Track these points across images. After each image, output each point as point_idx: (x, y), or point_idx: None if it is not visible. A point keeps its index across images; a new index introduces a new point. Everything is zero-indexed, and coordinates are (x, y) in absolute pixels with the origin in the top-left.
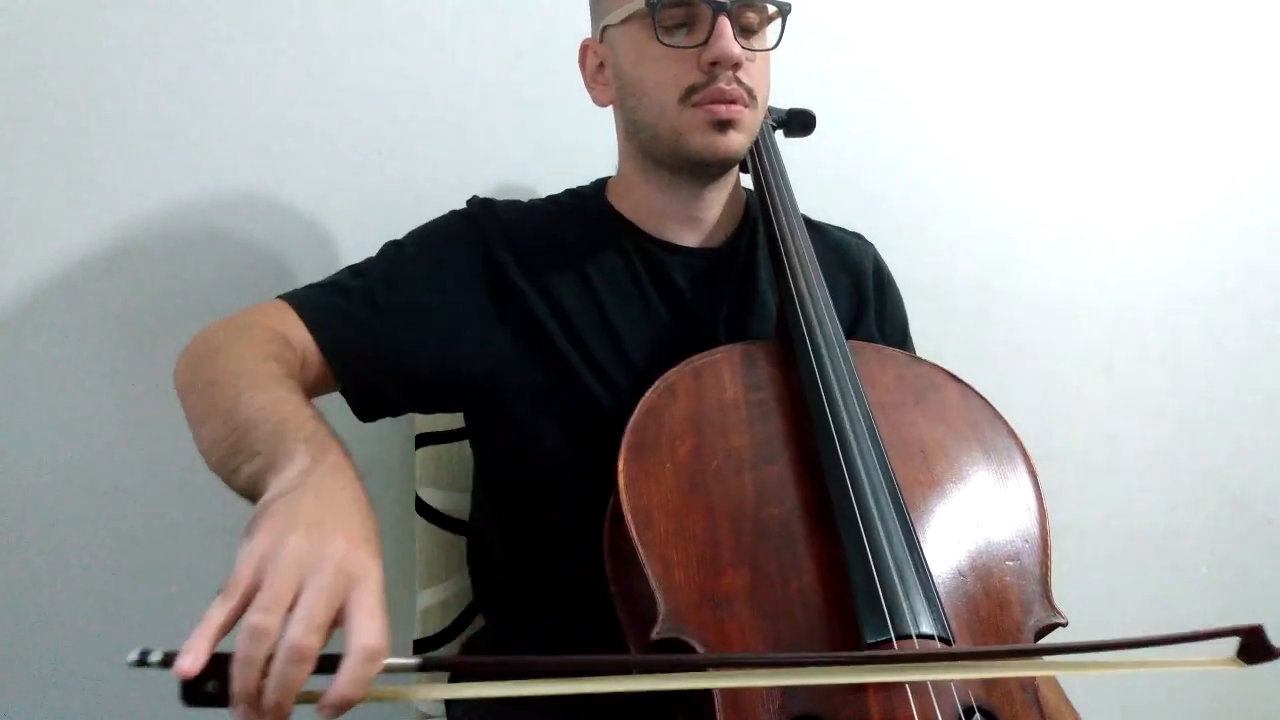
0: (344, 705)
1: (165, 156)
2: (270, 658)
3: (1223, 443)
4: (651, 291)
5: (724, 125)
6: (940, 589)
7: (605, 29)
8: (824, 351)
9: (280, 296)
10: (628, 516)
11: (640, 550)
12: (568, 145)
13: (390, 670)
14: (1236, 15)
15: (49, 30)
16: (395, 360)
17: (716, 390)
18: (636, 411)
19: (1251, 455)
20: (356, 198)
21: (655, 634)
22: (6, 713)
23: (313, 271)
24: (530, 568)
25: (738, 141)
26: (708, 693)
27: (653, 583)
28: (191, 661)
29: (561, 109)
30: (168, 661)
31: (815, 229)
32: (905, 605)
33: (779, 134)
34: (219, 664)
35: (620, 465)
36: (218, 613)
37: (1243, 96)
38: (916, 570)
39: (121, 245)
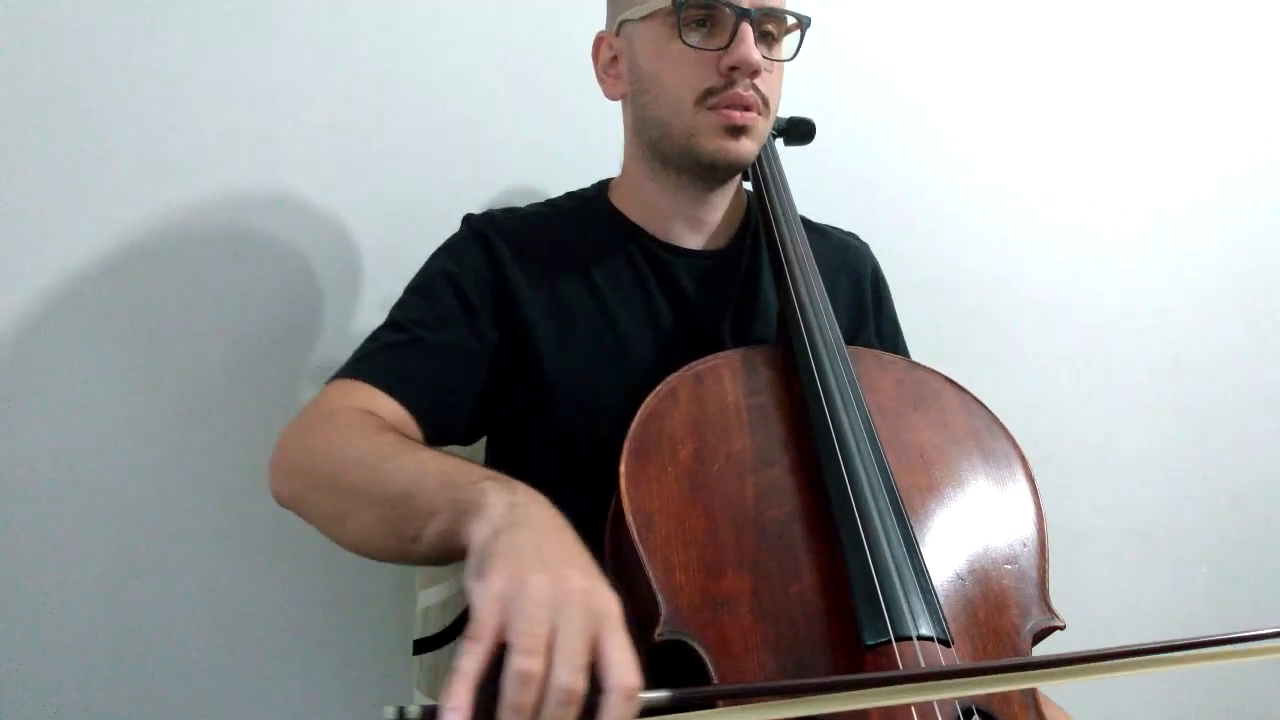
0: None
1: (166, 159)
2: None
3: (1223, 443)
4: (657, 294)
5: (737, 131)
6: (939, 591)
7: (623, 23)
8: (824, 357)
9: (337, 376)
10: (629, 519)
11: (642, 552)
12: (572, 144)
13: (646, 706)
14: (1235, 14)
15: (53, 33)
16: (460, 396)
17: (717, 395)
18: (638, 416)
19: (1251, 455)
20: (358, 198)
21: (657, 635)
22: (8, 712)
23: (311, 273)
24: None
25: (748, 148)
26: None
27: (654, 584)
28: (458, 718)
29: (566, 108)
30: (430, 717)
31: (816, 230)
32: (905, 607)
33: (779, 142)
34: (479, 713)
35: (622, 468)
36: (472, 661)
37: (1242, 96)
38: (915, 573)
39: (123, 247)
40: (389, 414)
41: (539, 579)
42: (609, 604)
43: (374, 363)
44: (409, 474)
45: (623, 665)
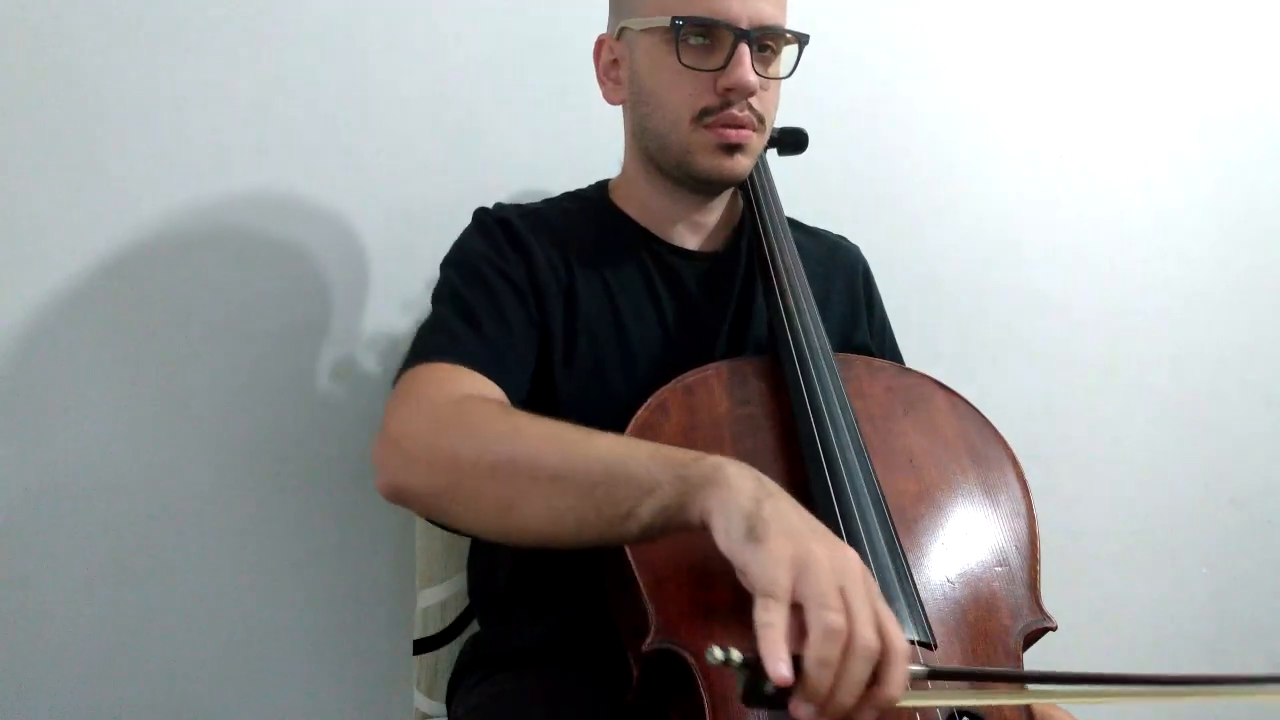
0: (889, 704)
1: (168, 161)
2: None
3: (1223, 443)
4: (664, 296)
5: (733, 149)
6: (926, 595)
7: (623, 29)
8: (811, 368)
9: (424, 360)
10: None
11: (633, 564)
12: (576, 143)
13: (911, 675)
14: (1236, 13)
15: (56, 34)
16: (529, 374)
17: (708, 406)
18: (629, 429)
19: (1252, 456)
20: (362, 198)
21: (646, 646)
22: (7, 713)
23: (314, 273)
24: (532, 571)
25: (743, 165)
26: (699, 695)
27: (645, 595)
28: (787, 668)
29: (571, 106)
30: (751, 665)
31: (806, 232)
32: None
33: (772, 152)
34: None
35: None
36: (778, 617)
37: (1243, 95)
38: (899, 577)
39: (126, 249)
40: (493, 396)
41: (820, 549)
42: (869, 574)
43: (465, 345)
44: (613, 454)
45: (898, 630)
